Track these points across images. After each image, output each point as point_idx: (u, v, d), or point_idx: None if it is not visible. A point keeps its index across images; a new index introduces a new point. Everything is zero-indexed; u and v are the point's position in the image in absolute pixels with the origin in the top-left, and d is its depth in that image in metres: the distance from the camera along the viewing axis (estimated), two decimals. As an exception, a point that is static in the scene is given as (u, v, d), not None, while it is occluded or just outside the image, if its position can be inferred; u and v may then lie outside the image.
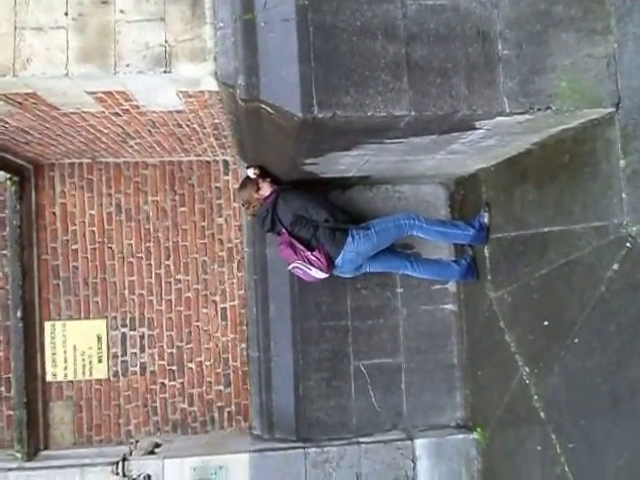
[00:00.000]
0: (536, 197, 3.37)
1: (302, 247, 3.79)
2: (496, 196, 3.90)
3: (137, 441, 4.38)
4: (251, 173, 3.96)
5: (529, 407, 3.46)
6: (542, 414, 3.35)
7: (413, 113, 2.53)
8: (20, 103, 2.92)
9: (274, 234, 4.03)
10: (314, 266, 3.78)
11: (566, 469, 3.11)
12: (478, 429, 4.25)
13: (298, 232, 3.83)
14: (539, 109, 2.62)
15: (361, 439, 4.28)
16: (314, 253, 3.76)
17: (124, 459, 4.14)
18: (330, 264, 3.81)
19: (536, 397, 3.42)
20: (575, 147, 2.99)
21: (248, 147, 3.59)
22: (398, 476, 4.23)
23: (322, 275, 3.85)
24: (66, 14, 2.56)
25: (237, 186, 4.47)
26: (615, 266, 2.69)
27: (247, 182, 3.97)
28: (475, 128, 2.85)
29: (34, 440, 4.28)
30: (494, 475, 4.10)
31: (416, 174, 4.14)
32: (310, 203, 3.84)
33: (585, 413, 2.95)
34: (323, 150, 3.18)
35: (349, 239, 3.77)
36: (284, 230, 3.87)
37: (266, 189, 3.89)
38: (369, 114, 2.50)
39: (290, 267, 3.93)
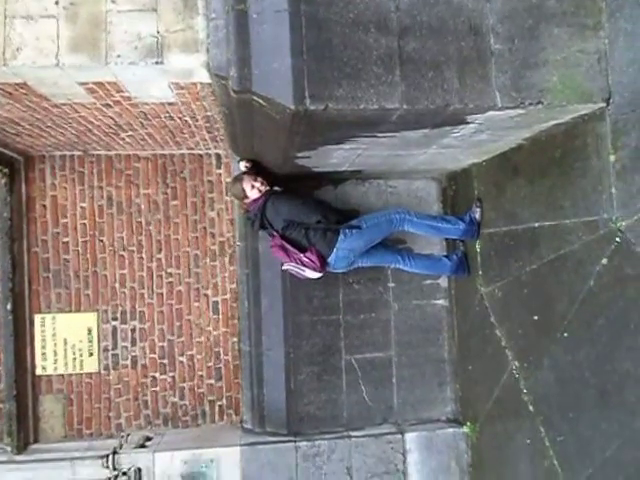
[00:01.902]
0: (527, 192, 3.38)
1: (294, 249, 3.78)
2: (488, 191, 3.92)
3: (128, 434, 4.37)
4: (242, 166, 3.95)
5: (518, 401, 3.49)
6: (531, 408, 3.37)
7: (405, 106, 2.54)
8: (10, 93, 2.89)
9: (266, 232, 4.03)
10: (307, 267, 3.79)
11: (554, 462, 3.14)
12: (468, 423, 4.27)
13: (289, 235, 3.82)
14: (530, 104, 2.64)
15: (352, 433, 4.30)
16: (306, 255, 3.76)
17: (114, 452, 4.13)
18: (323, 264, 3.81)
19: (525, 391, 3.44)
20: (566, 142, 3.00)
21: (240, 140, 3.58)
22: (388, 469, 4.26)
23: (316, 275, 3.86)
24: (57, 3, 2.54)
25: (229, 180, 4.46)
26: (604, 261, 2.72)
27: (237, 180, 3.95)
28: (467, 122, 2.85)
29: (24, 433, 4.27)
30: (484, 468, 4.14)
31: (408, 169, 4.15)
32: (300, 207, 3.83)
33: (573, 406, 2.97)
34: (315, 143, 3.18)
35: (341, 237, 3.77)
36: (275, 233, 3.86)
37: (255, 192, 3.86)
38: (361, 107, 2.50)
39: (284, 268, 3.95)
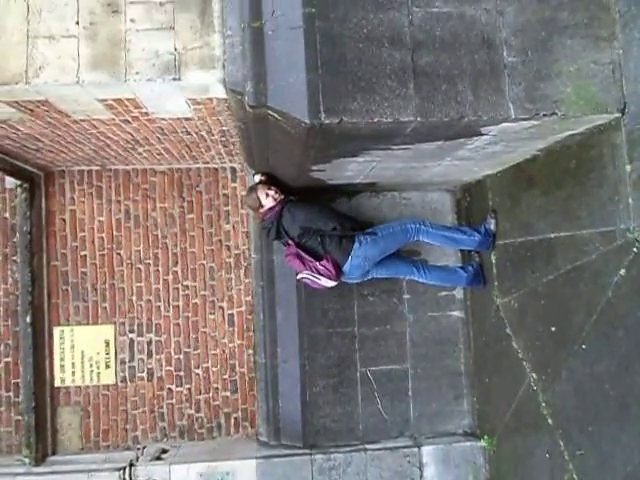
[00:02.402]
0: (542, 203, 3.37)
1: (309, 257, 3.80)
2: (502, 202, 3.91)
3: (144, 447, 4.40)
4: (257, 179, 4.00)
5: (537, 414, 3.45)
6: (550, 421, 3.33)
7: (419, 119, 2.55)
8: (32, 110, 2.97)
9: (280, 242, 4.06)
10: (323, 275, 3.81)
11: (574, 476, 3.09)
12: (485, 436, 4.22)
13: (305, 243, 3.85)
14: (545, 115, 2.64)
15: (368, 446, 4.27)
16: (322, 263, 3.78)
17: (131, 465, 4.15)
18: (338, 272, 3.83)
19: (544, 404, 3.40)
20: (581, 153, 3.00)
21: (256, 154, 3.62)
22: (405, 484, 4.22)
23: (331, 283, 3.87)
24: (77, 23, 2.61)
25: (244, 193, 4.51)
26: (622, 271, 2.69)
27: (252, 190, 3.99)
28: (481, 134, 2.86)
29: (42, 445, 4.31)
30: (501, 482, 4.08)
31: (423, 181, 4.16)
32: (316, 214, 3.87)
33: (593, 420, 2.93)
34: (330, 156, 3.20)
35: (356, 245, 3.79)
36: (291, 241, 3.90)
37: (270, 200, 3.90)
38: (376, 120, 2.53)
39: (299, 277, 3.95)
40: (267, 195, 3.89)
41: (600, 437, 2.87)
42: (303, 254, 3.82)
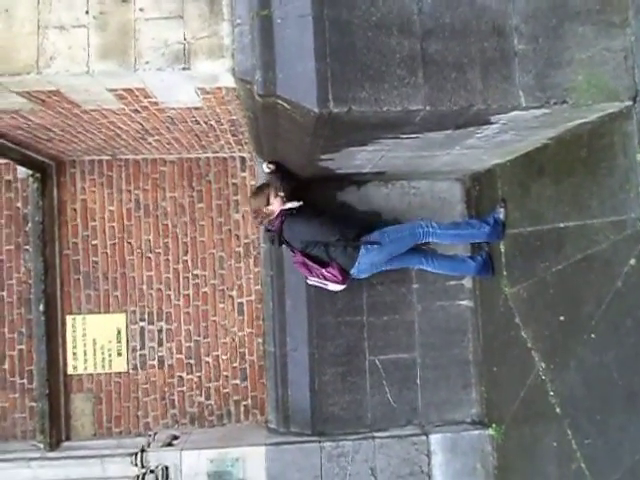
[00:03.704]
0: (553, 192, 3.35)
1: (316, 265, 3.80)
2: (512, 191, 3.89)
3: (155, 433, 4.46)
4: (266, 167, 3.99)
5: (545, 403, 3.45)
6: (558, 410, 3.34)
7: (428, 108, 2.55)
8: (43, 100, 2.99)
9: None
10: (330, 281, 3.83)
11: (582, 465, 3.10)
12: (493, 425, 4.24)
13: (310, 252, 3.83)
14: (555, 103, 2.62)
15: (376, 434, 4.30)
16: (328, 269, 3.78)
17: (143, 450, 4.21)
18: (345, 277, 3.83)
19: (552, 393, 3.41)
20: (592, 141, 2.97)
21: (265, 143, 3.63)
22: (413, 471, 4.25)
23: (339, 287, 3.91)
24: (87, 12, 2.62)
25: (254, 183, 4.52)
26: (632, 261, 2.68)
27: (259, 192, 3.95)
28: (490, 123, 2.85)
29: (56, 431, 4.39)
30: (510, 471, 4.10)
31: (432, 170, 4.14)
32: (317, 228, 3.80)
33: (601, 409, 2.94)
34: (339, 145, 3.20)
35: (362, 252, 3.76)
36: (296, 250, 3.88)
37: (276, 206, 3.83)
38: (384, 109, 2.52)
39: (308, 282, 4.00)
40: (277, 195, 3.83)
41: (608, 426, 2.88)
42: (309, 262, 3.81)
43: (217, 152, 4.53)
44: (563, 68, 2.64)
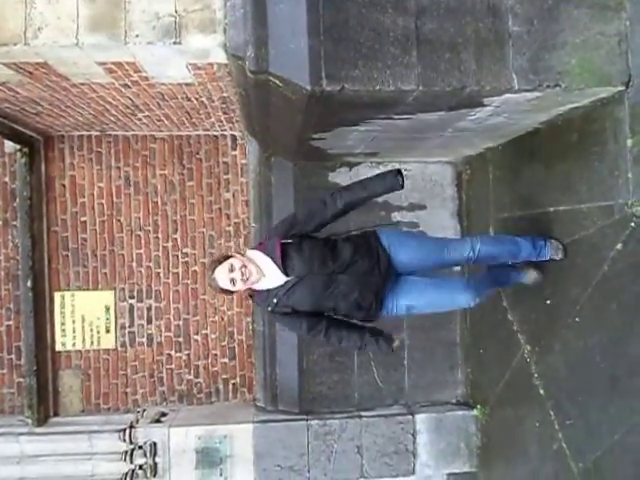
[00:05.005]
0: (543, 177, 3.36)
1: None
2: (503, 176, 3.90)
3: (144, 410, 4.48)
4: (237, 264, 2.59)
5: (529, 385, 3.51)
6: (542, 391, 3.39)
7: (421, 88, 2.53)
8: (31, 73, 2.93)
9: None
10: None
11: (563, 445, 3.17)
12: (478, 406, 4.31)
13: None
14: (548, 86, 2.61)
15: (363, 413, 4.36)
16: None
17: (131, 427, 4.24)
18: None
19: (536, 375, 3.46)
20: (584, 126, 2.97)
21: (256, 121, 3.60)
22: (398, 449, 4.32)
23: None
24: (77, -17, 2.56)
25: (245, 162, 4.50)
26: (619, 246, 2.70)
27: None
28: (483, 105, 2.84)
29: (44, 406, 4.39)
30: (492, 451, 4.18)
31: (424, 152, 4.14)
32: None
33: (583, 391, 2.99)
34: (331, 125, 3.18)
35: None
36: None
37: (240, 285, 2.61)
38: (377, 88, 2.50)
39: None
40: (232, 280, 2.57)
41: (589, 408, 2.93)
42: None
43: (208, 130, 4.49)
44: (557, 51, 2.63)
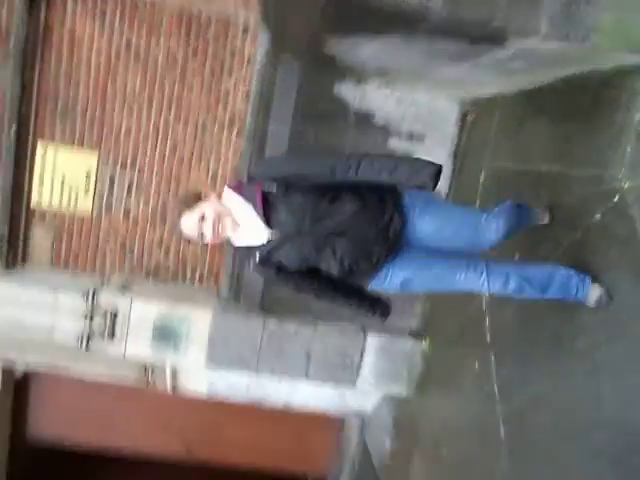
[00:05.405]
0: (544, 134, 3.32)
1: None
2: (507, 125, 3.83)
3: (110, 278, 4.58)
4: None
5: (479, 331, 3.65)
6: (489, 339, 3.55)
7: (448, 7, 2.41)
8: None
9: None
10: None
11: (495, 388, 3.37)
12: (427, 339, 4.51)
13: None
14: (575, 39, 2.51)
15: (319, 322, 4.53)
16: None
17: (95, 291, 4.33)
18: None
19: (488, 324, 3.59)
20: (599, 91, 2.90)
21: (272, 11, 3.42)
22: (344, 363, 4.53)
23: None
24: None
25: (253, 50, 4.31)
26: (597, 216, 2.73)
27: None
28: (505, 45, 2.73)
29: (13, 255, 4.45)
30: (430, 382, 4.43)
31: (435, 84, 4.02)
32: None
33: (527, 344, 3.14)
34: (348, 30, 3.04)
35: None
36: None
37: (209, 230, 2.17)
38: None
39: None
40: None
41: (526, 360, 3.10)
42: None
43: (221, 10, 4.25)
44: (594, 5, 2.50)
